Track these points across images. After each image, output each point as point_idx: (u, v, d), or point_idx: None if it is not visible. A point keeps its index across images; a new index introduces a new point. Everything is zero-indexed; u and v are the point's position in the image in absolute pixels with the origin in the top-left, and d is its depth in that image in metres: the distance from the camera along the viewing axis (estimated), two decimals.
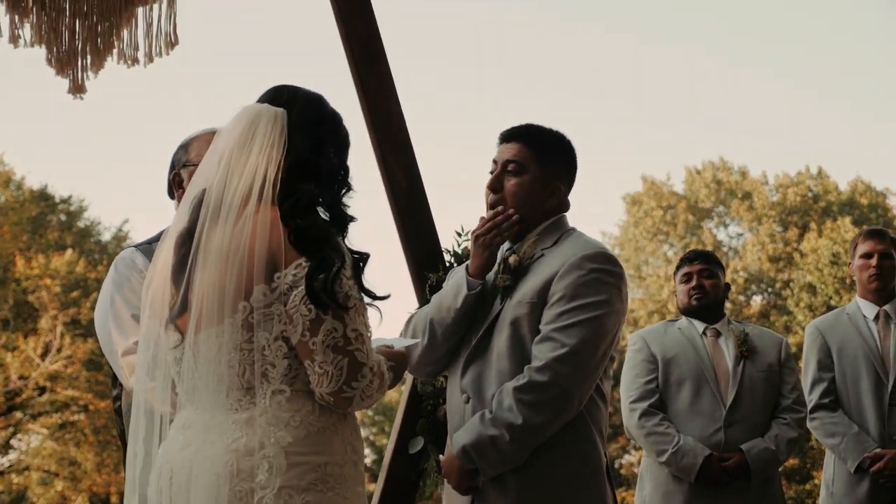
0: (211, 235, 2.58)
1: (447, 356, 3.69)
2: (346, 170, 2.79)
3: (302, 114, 2.73)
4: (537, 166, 3.61)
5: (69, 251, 28.48)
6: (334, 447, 2.58)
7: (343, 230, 2.71)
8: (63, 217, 31.58)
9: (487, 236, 3.55)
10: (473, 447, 3.40)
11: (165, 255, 2.71)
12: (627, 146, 50.64)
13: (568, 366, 3.34)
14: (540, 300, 3.45)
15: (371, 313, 2.68)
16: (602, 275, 3.44)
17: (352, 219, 2.77)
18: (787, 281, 31.11)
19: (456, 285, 3.62)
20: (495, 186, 3.61)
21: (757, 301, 32.77)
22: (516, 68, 50.84)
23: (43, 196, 30.69)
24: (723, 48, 50.41)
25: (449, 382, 3.71)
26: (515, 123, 3.75)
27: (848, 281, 27.77)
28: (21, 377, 27.30)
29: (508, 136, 3.68)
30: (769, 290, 32.95)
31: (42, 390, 28.35)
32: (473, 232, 3.61)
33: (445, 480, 3.62)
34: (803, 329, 25.87)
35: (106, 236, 32.38)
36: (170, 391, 2.69)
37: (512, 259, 3.56)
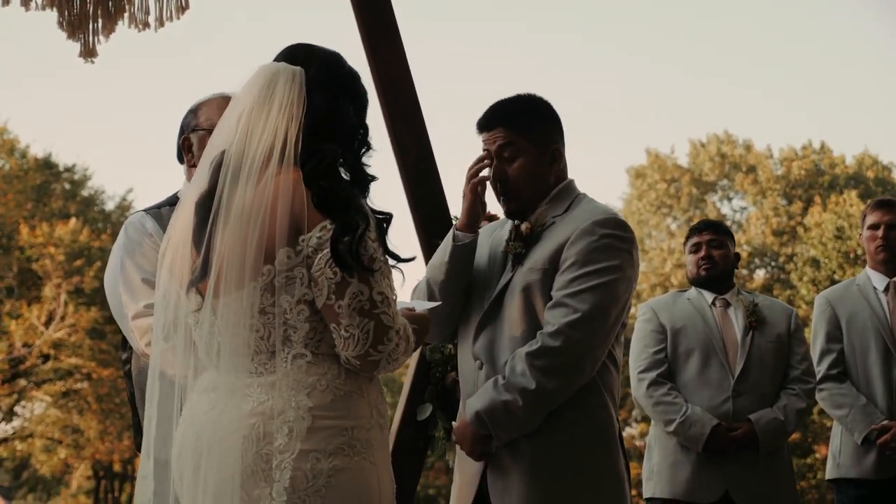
0: (232, 197, 2.55)
1: (454, 318, 3.70)
2: (366, 128, 2.77)
3: (320, 72, 2.70)
4: (528, 143, 3.58)
5: (73, 220, 28.51)
6: (361, 411, 2.57)
7: (365, 190, 2.69)
8: (67, 185, 31.60)
9: (468, 174, 3.58)
10: (487, 413, 3.39)
11: (184, 217, 2.68)
12: (632, 117, 50.60)
13: (580, 331, 3.34)
14: (552, 266, 3.44)
15: (395, 276, 2.67)
16: (613, 240, 3.43)
17: (373, 178, 2.75)
18: (790, 255, 31.11)
19: (445, 241, 3.64)
20: (500, 177, 3.59)
21: (760, 275, 32.78)
22: (525, 38, 50.74)
23: (47, 164, 30.71)
24: (731, 12, 50.22)
25: (460, 349, 3.72)
26: (487, 107, 3.71)
27: (852, 255, 27.75)
28: (25, 345, 27.37)
29: (488, 125, 3.64)
30: (772, 264, 32.97)
31: (46, 358, 28.45)
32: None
33: (457, 447, 3.63)
34: (806, 303, 26.09)
35: (110, 205, 32.44)
36: (190, 354, 2.68)
37: (524, 226, 3.55)
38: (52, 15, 4.36)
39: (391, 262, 2.64)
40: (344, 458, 2.49)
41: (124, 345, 3.79)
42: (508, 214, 3.65)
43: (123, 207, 32.22)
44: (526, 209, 3.60)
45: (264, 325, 2.52)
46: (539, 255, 3.48)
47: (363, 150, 2.75)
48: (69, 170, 31.67)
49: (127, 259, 3.66)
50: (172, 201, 3.83)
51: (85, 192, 31.97)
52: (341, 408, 2.53)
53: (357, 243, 2.47)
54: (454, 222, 5.06)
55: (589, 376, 3.42)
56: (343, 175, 2.65)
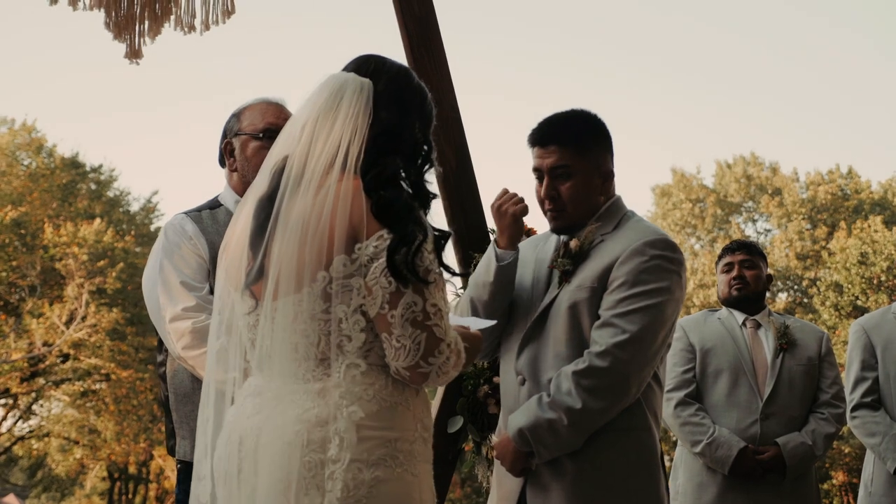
0: (291, 203, 2.54)
1: (497, 333, 3.68)
2: (431, 145, 2.75)
3: (388, 85, 2.69)
4: (583, 163, 3.56)
5: (97, 220, 28.64)
6: (406, 423, 2.55)
7: (426, 206, 2.67)
8: (93, 186, 31.75)
9: (507, 204, 3.56)
10: (530, 430, 3.38)
11: (244, 220, 2.68)
12: (658, 137, 50.57)
13: (628, 352, 3.31)
14: (600, 285, 3.42)
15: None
16: (663, 261, 3.41)
17: (434, 195, 2.72)
18: (813, 279, 30.99)
19: (487, 260, 3.61)
20: (552, 195, 3.57)
21: (782, 298, 32.65)
22: (559, 51, 50.87)
23: (74, 164, 30.86)
24: (759, 41, 50.19)
25: (502, 363, 3.70)
26: (539, 122, 3.68)
27: (875, 281, 27.61)
28: (45, 344, 27.48)
29: (542, 141, 3.62)
30: (795, 287, 32.85)
31: (65, 358, 28.56)
32: (493, 204, 3.60)
33: (495, 462, 3.61)
34: (829, 328, 25.90)
35: (135, 207, 32.58)
36: (241, 357, 2.67)
37: (572, 243, 3.53)
38: (83, 14, 4.39)
39: (446, 275, 2.63)
40: (386, 470, 2.48)
41: (160, 347, 3.80)
42: (555, 230, 3.64)
43: (148, 209, 32.37)
44: (573, 227, 3.58)
45: (316, 332, 2.51)
46: (588, 273, 3.47)
47: (426, 166, 2.73)
48: (95, 170, 31.83)
49: (166, 261, 3.67)
50: (213, 205, 3.84)
51: (110, 193, 32.12)
52: (386, 419, 2.52)
53: (413, 254, 2.46)
54: (492, 237, 5.08)
55: (634, 397, 3.40)
56: (404, 188, 2.64)
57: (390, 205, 2.51)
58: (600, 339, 3.35)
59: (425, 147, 2.74)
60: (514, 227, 3.58)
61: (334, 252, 2.48)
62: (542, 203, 3.62)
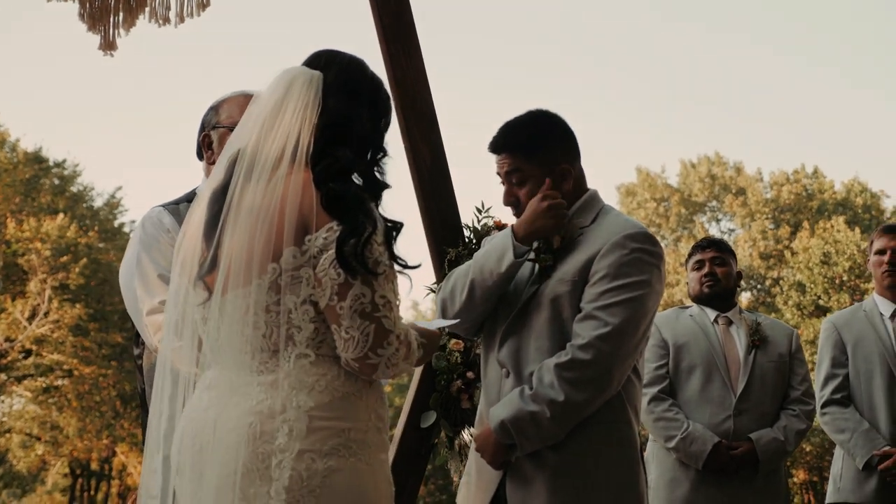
0: (243, 194, 2.58)
1: (481, 319, 3.68)
2: (381, 135, 2.78)
3: (338, 76, 2.73)
4: (532, 167, 3.59)
5: (61, 215, 28.45)
6: (358, 413, 2.57)
7: (377, 196, 2.70)
8: (56, 181, 31.51)
9: (558, 209, 3.52)
10: (512, 422, 3.39)
11: (199, 212, 2.71)
12: (623, 136, 50.81)
13: (610, 344, 3.33)
14: (581, 278, 3.44)
15: (401, 282, 2.67)
16: (643, 254, 3.44)
17: (386, 185, 2.75)
18: (776, 278, 31.25)
19: (500, 248, 3.57)
20: (511, 201, 3.63)
21: (746, 297, 32.87)
22: (526, 51, 51.02)
23: (37, 159, 30.62)
24: (725, 37, 50.53)
25: (484, 356, 3.71)
26: (497, 130, 3.70)
27: (838, 281, 27.85)
28: (7, 339, 27.29)
29: (495, 149, 3.66)
30: (758, 286, 33.09)
31: (28, 353, 28.38)
32: (542, 202, 3.52)
33: (475, 454, 3.61)
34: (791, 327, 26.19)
35: (98, 202, 32.36)
36: (196, 350, 2.68)
37: (554, 239, 3.55)
38: (49, 6, 4.38)
39: (397, 268, 2.66)
40: (339, 459, 2.50)
41: (137, 340, 3.79)
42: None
43: (112, 205, 32.17)
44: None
45: (267, 324, 2.54)
46: (569, 266, 3.48)
47: (378, 156, 2.76)
48: (59, 165, 31.60)
49: (143, 254, 3.65)
50: (190, 197, 3.83)
51: (74, 189, 31.89)
52: (338, 408, 2.54)
53: (363, 246, 2.49)
54: (465, 230, 5.08)
55: (616, 389, 3.41)
56: (355, 179, 2.67)
57: (340, 197, 2.54)
58: (583, 331, 3.37)
59: (377, 137, 2.77)
60: (546, 231, 3.54)
61: (283, 244, 2.51)
62: (508, 206, 3.67)
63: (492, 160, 3.68)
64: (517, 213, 3.63)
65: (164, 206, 3.80)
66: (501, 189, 3.68)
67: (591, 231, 3.54)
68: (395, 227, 2.68)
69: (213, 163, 3.82)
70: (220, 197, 2.63)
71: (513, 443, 3.43)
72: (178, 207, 3.78)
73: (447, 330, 3.66)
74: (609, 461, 3.42)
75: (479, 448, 3.55)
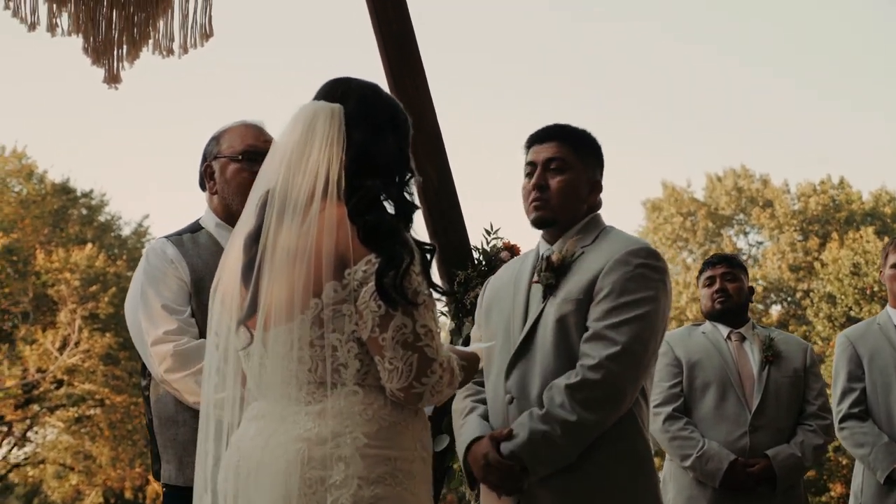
0: (278, 236, 2.57)
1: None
2: (407, 156, 2.78)
3: (359, 107, 2.72)
4: (579, 163, 3.63)
5: (89, 245, 28.58)
6: (405, 442, 2.58)
7: (409, 221, 2.70)
8: (84, 211, 31.68)
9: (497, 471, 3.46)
10: (525, 444, 3.33)
11: (234, 254, 2.71)
12: (649, 151, 50.71)
13: (621, 364, 3.31)
14: (586, 297, 3.42)
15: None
16: (647, 270, 3.42)
17: (416, 207, 2.75)
18: (806, 290, 31.00)
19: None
20: (540, 185, 3.60)
21: (776, 310, 32.66)
22: (543, 70, 51.04)
23: (64, 189, 30.80)
24: (750, 54, 50.38)
25: (489, 383, 3.66)
26: (542, 126, 3.76)
27: (868, 291, 27.64)
28: (39, 370, 27.40)
29: (544, 137, 3.68)
30: (788, 299, 32.85)
31: (59, 384, 28.46)
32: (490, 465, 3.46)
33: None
34: (822, 339, 25.90)
35: (126, 231, 32.50)
36: (240, 386, 2.69)
37: (554, 257, 3.53)
38: (72, 41, 4.41)
39: (437, 295, 2.67)
40: (386, 488, 2.50)
41: (144, 371, 3.80)
42: (535, 221, 3.65)
43: (140, 234, 32.31)
44: (553, 222, 3.62)
45: (312, 358, 2.54)
46: (572, 285, 3.46)
47: (406, 178, 2.76)
48: (86, 195, 31.76)
49: (148, 285, 3.67)
50: (193, 228, 3.85)
51: (101, 218, 32.03)
52: (385, 437, 2.54)
53: (401, 277, 2.50)
54: (475, 254, 5.06)
55: (626, 409, 3.39)
56: (387, 208, 2.67)
57: (375, 229, 2.55)
58: (592, 351, 3.34)
59: (402, 159, 2.76)
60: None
61: (324, 279, 2.51)
62: (527, 196, 3.65)
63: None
64: (539, 198, 3.61)
65: (167, 237, 3.83)
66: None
67: (592, 250, 3.53)
68: (429, 251, 2.69)
69: (216, 193, 3.84)
70: (254, 241, 2.64)
71: (524, 467, 3.36)
72: (182, 238, 3.80)
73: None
74: (624, 480, 3.39)
75: (485, 479, 3.46)
